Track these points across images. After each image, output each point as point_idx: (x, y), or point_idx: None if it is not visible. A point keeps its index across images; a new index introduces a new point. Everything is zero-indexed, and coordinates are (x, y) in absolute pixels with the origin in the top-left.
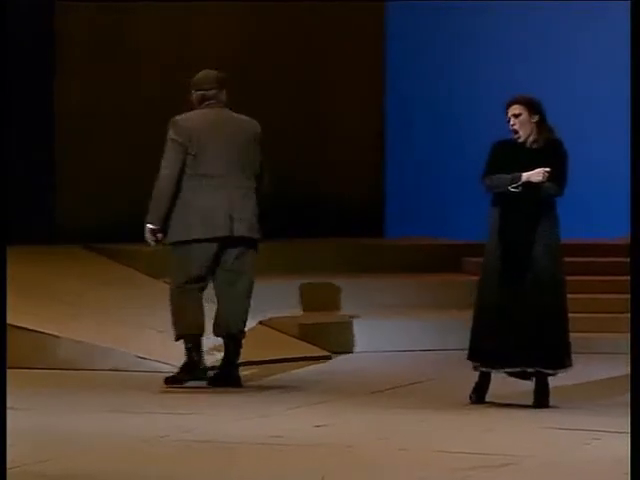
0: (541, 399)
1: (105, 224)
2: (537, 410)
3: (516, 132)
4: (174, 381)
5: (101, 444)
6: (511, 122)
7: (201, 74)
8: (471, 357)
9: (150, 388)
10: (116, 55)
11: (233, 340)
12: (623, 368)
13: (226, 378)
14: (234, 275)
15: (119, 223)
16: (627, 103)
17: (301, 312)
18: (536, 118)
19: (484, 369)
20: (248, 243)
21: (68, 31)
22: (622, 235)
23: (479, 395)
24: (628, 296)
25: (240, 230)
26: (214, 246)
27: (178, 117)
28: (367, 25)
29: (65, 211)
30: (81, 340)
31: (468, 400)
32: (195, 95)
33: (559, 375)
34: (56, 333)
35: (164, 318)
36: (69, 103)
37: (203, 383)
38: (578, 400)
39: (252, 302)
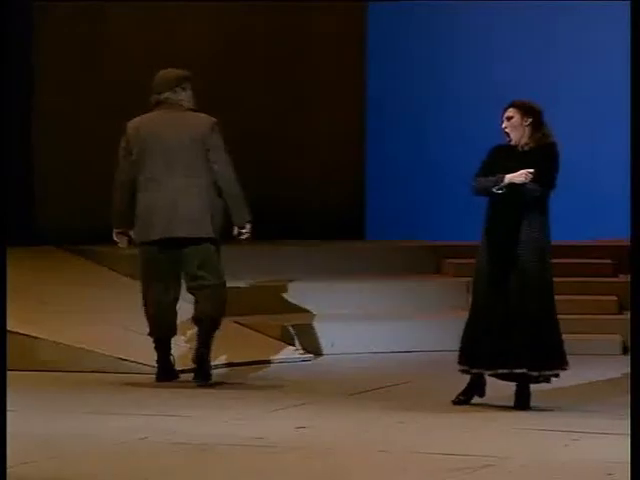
0: (522, 401)
1: (84, 225)
2: (517, 412)
3: (508, 135)
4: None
5: (81, 446)
6: (504, 124)
7: (157, 76)
8: (461, 360)
9: (130, 390)
10: (95, 55)
11: (208, 322)
12: (603, 370)
13: (198, 363)
14: (195, 272)
15: (98, 224)
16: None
17: (281, 314)
18: (529, 121)
19: (475, 371)
20: (196, 241)
21: (47, 31)
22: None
23: (467, 397)
24: (613, 298)
25: (179, 231)
26: (160, 248)
27: (129, 122)
28: (348, 25)
29: (44, 212)
30: (61, 341)
31: (451, 402)
32: (152, 98)
33: (560, 376)
34: (36, 334)
35: (143, 319)
36: (46, 104)
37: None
38: (558, 402)
39: (232, 305)
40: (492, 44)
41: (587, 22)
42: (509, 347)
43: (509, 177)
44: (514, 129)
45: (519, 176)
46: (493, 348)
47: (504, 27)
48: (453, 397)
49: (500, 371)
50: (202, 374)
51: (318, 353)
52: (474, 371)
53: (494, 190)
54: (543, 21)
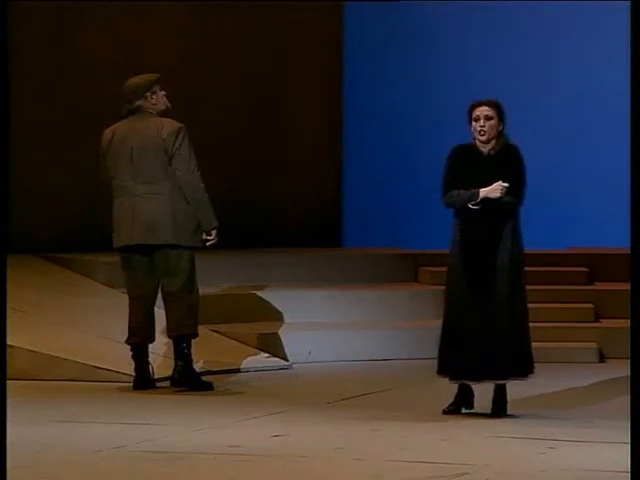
0: (499, 408)
1: (61, 233)
2: (493, 419)
3: (482, 133)
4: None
5: (56, 454)
6: (481, 122)
7: (126, 86)
8: (442, 371)
9: (107, 398)
10: (68, 61)
11: (177, 340)
12: (579, 378)
13: (187, 378)
14: (160, 280)
15: (73, 232)
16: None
17: (258, 322)
18: (501, 127)
19: (457, 382)
20: (157, 247)
21: (22, 31)
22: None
23: (458, 407)
24: (588, 305)
25: (138, 238)
26: (130, 255)
27: (106, 130)
28: (324, 25)
29: (21, 221)
30: (36, 350)
31: (442, 411)
32: (123, 108)
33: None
34: (11, 343)
35: (120, 328)
36: (21, 110)
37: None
38: (535, 410)
39: (209, 312)
40: (472, 46)
41: (569, 24)
42: (494, 358)
43: (484, 192)
44: (490, 130)
45: (494, 191)
46: (476, 359)
47: (484, 28)
48: (429, 405)
49: (486, 382)
50: (190, 383)
51: (295, 361)
52: (459, 382)
53: (470, 206)
54: (523, 23)
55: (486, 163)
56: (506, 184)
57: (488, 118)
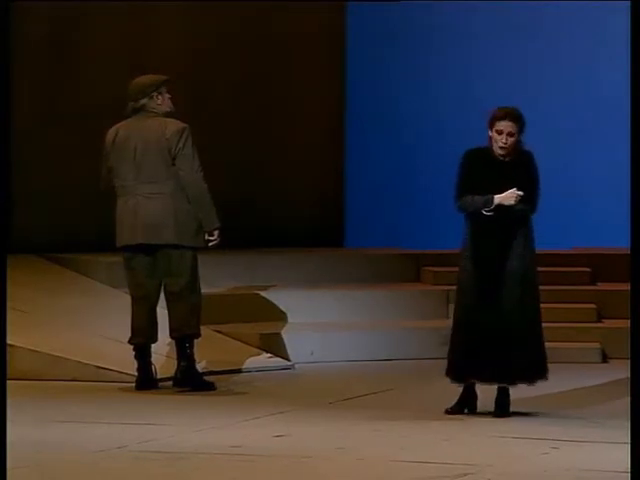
0: (502, 408)
1: (59, 233)
2: (496, 419)
3: (504, 150)
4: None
5: (58, 455)
6: (503, 139)
7: (132, 83)
8: (455, 376)
9: (109, 398)
10: (72, 58)
11: (180, 340)
12: (582, 378)
13: (190, 379)
14: (162, 280)
15: (73, 232)
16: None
17: (260, 322)
18: (519, 138)
19: (463, 383)
20: (159, 247)
21: (23, 32)
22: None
23: (461, 408)
24: (591, 305)
25: (140, 237)
26: (133, 254)
27: (109, 129)
28: (327, 25)
29: (20, 220)
30: (37, 349)
31: (445, 411)
32: (128, 105)
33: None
34: (12, 342)
35: (122, 328)
36: (21, 110)
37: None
38: (538, 409)
39: (211, 312)
40: (472, 46)
41: (569, 24)
42: (510, 361)
43: (498, 199)
44: (511, 146)
45: (509, 198)
46: (492, 362)
47: (486, 28)
48: (431, 405)
49: (501, 385)
50: (192, 384)
51: (297, 361)
52: (468, 383)
53: (484, 212)
54: (523, 23)
55: (502, 169)
56: (520, 192)
57: (511, 135)
